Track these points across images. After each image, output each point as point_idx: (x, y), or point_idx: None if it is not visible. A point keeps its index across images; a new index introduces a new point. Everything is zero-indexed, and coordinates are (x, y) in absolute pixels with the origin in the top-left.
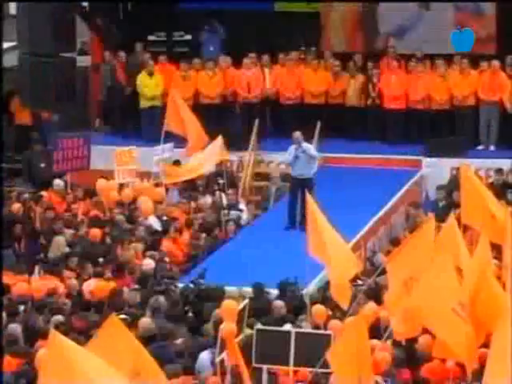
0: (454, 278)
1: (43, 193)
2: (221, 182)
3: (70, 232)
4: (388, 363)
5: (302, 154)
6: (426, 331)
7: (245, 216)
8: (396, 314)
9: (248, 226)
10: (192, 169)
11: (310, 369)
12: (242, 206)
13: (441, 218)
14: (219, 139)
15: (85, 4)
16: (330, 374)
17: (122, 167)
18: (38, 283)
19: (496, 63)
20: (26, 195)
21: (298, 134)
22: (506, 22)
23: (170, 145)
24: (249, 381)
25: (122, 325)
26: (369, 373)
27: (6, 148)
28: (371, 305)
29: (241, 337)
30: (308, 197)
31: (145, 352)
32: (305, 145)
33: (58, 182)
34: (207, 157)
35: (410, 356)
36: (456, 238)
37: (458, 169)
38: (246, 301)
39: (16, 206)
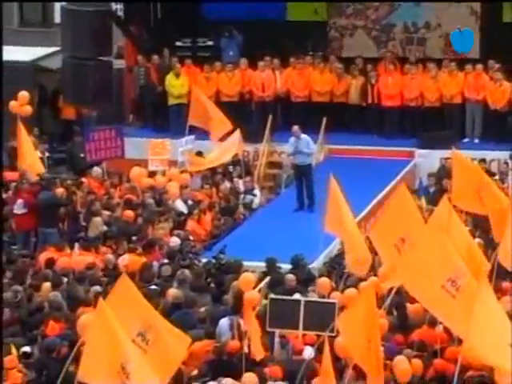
0: (444, 255)
1: (83, 179)
2: (238, 169)
3: (106, 213)
4: (384, 329)
5: (300, 145)
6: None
7: (257, 200)
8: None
9: (262, 208)
10: (213, 159)
11: (318, 333)
12: (256, 191)
13: (432, 201)
14: (237, 133)
15: (120, 13)
16: (335, 337)
17: (155, 157)
18: (79, 258)
19: (479, 66)
20: (69, 181)
21: (296, 128)
22: (487, 32)
23: (191, 137)
24: (266, 340)
25: (132, 285)
26: (377, 336)
27: (53, 139)
28: (372, 277)
29: (258, 308)
30: (332, 179)
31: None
32: (303, 136)
33: (96, 169)
34: (226, 148)
35: (402, 323)
36: (447, 219)
37: (446, 159)
38: (267, 279)
39: (59, 191)
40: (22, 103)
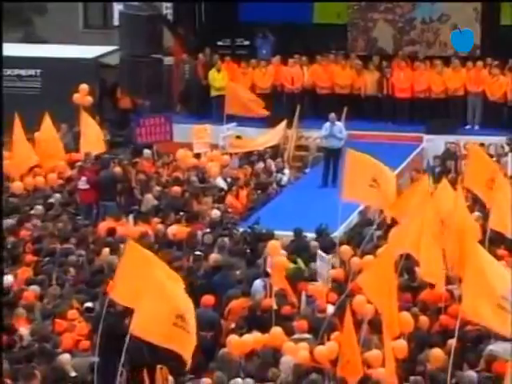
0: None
1: (137, 159)
2: (271, 151)
3: (157, 189)
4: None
5: (335, 131)
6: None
7: (286, 178)
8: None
9: (291, 185)
10: (258, 143)
11: None
12: (286, 170)
13: (437, 179)
14: (283, 124)
15: (169, 17)
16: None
17: (199, 140)
18: (133, 228)
19: (480, 63)
20: (125, 161)
21: (332, 115)
22: (487, 32)
23: (232, 124)
24: (294, 299)
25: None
26: (395, 294)
27: (112, 125)
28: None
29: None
30: (350, 152)
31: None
32: (338, 123)
33: (146, 151)
34: (271, 136)
35: (410, 283)
36: (448, 195)
37: (450, 143)
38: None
39: (117, 170)
40: (83, 95)
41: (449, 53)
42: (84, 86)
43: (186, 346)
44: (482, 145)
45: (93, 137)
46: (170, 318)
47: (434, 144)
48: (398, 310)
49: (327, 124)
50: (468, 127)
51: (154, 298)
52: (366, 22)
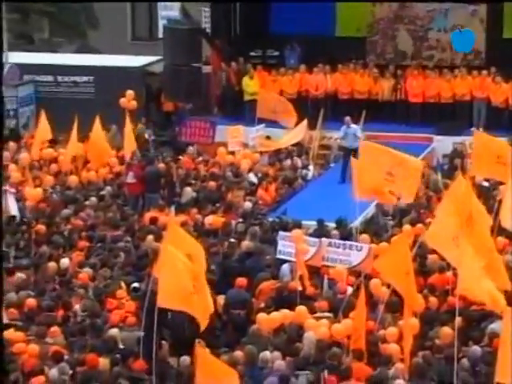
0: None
1: (180, 157)
2: (297, 150)
3: (196, 183)
4: None
5: (350, 132)
6: (434, 251)
7: (311, 173)
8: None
9: (314, 180)
10: (282, 142)
11: None
12: (310, 166)
13: (446, 175)
14: (304, 124)
15: (208, 30)
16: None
17: (233, 139)
18: (174, 217)
19: (484, 72)
20: (168, 158)
21: (348, 118)
22: (491, 44)
23: (262, 125)
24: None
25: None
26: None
27: (156, 126)
28: (407, 227)
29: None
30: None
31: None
32: (353, 126)
33: (190, 149)
34: (294, 135)
35: (421, 268)
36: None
37: (457, 143)
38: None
39: (161, 166)
40: (128, 99)
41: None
42: (130, 92)
43: (201, 311)
44: None
45: (130, 139)
46: (188, 287)
47: (443, 144)
48: (415, 290)
49: (344, 127)
50: (473, 129)
51: (174, 271)
52: (385, 34)
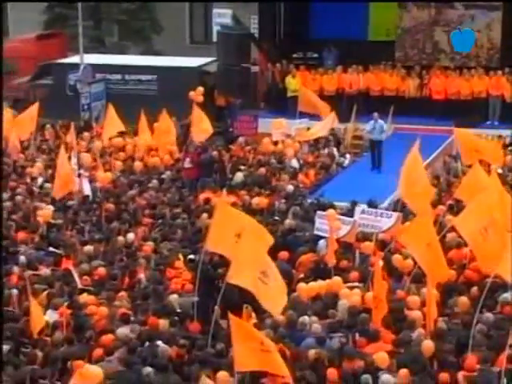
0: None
1: (231, 146)
2: (334, 140)
3: (245, 169)
4: None
5: (377, 126)
6: (452, 229)
7: (346, 161)
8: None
9: (349, 167)
10: (314, 132)
11: None
12: (347, 155)
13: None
14: (332, 115)
15: (256, 35)
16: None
17: (277, 131)
18: (226, 198)
19: (499, 72)
20: (220, 147)
21: (375, 115)
22: (505, 47)
23: (305, 119)
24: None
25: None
26: (435, 239)
27: (210, 119)
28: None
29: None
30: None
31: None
32: (379, 121)
33: (240, 139)
34: (324, 125)
35: (441, 244)
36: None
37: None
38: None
39: (214, 153)
40: (197, 94)
41: (481, 60)
42: (200, 88)
43: (266, 297)
44: (500, 136)
45: (202, 126)
46: (256, 272)
47: None
48: (440, 261)
49: (371, 122)
50: (489, 122)
51: (245, 255)
52: (413, 38)
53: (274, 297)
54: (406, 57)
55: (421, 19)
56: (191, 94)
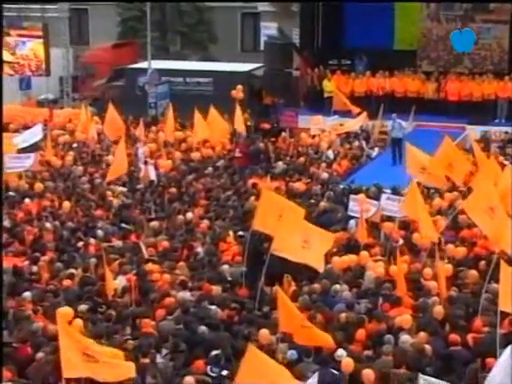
0: (487, 191)
1: (275, 138)
2: (363, 134)
3: (286, 158)
4: (442, 227)
5: (396, 125)
6: (464, 212)
7: (374, 153)
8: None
9: (376, 158)
10: (346, 127)
11: None
12: (376, 148)
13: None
14: (364, 114)
15: (297, 44)
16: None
17: (315, 126)
18: (270, 183)
19: (507, 77)
20: (265, 139)
21: (394, 115)
22: None
23: (337, 116)
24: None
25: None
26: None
27: (257, 116)
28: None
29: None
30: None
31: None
32: (398, 120)
33: (283, 133)
34: (356, 122)
35: (454, 224)
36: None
37: (485, 131)
38: None
39: (261, 145)
40: (238, 92)
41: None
42: (239, 86)
43: (311, 258)
44: (506, 133)
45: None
46: (298, 243)
47: (474, 132)
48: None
49: (391, 121)
50: (497, 121)
51: (288, 229)
52: (434, 46)
53: (317, 256)
54: (426, 64)
55: (450, 30)
56: (233, 92)
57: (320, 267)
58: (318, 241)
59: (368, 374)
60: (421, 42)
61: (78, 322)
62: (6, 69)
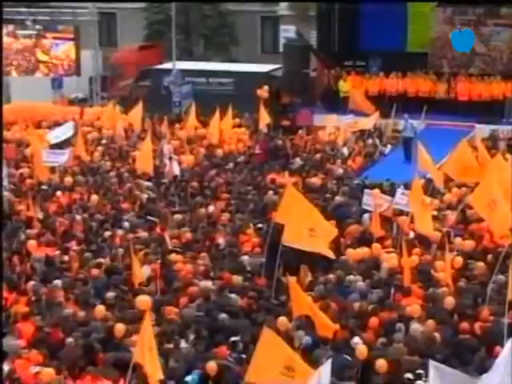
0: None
1: (293, 136)
2: (377, 132)
3: (303, 155)
4: (453, 221)
5: (408, 126)
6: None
7: (387, 150)
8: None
9: (389, 154)
10: (361, 124)
11: None
12: (389, 145)
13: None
14: (377, 113)
15: (315, 47)
16: None
17: (331, 124)
18: (288, 179)
19: None
20: (284, 137)
21: (406, 116)
22: None
23: (351, 115)
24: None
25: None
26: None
27: (276, 114)
28: (455, 189)
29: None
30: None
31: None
32: (410, 121)
33: (300, 131)
34: (370, 121)
35: (464, 218)
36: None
37: (493, 130)
38: None
39: (279, 142)
40: (263, 91)
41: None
42: (265, 86)
43: (319, 245)
44: None
45: (262, 121)
46: (305, 230)
47: (482, 130)
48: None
49: (403, 121)
50: (504, 120)
51: (295, 218)
52: (446, 49)
53: (324, 244)
54: (437, 65)
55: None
56: (258, 91)
57: (330, 254)
58: (323, 229)
59: (381, 363)
60: (435, 44)
61: (101, 307)
62: (42, 68)
